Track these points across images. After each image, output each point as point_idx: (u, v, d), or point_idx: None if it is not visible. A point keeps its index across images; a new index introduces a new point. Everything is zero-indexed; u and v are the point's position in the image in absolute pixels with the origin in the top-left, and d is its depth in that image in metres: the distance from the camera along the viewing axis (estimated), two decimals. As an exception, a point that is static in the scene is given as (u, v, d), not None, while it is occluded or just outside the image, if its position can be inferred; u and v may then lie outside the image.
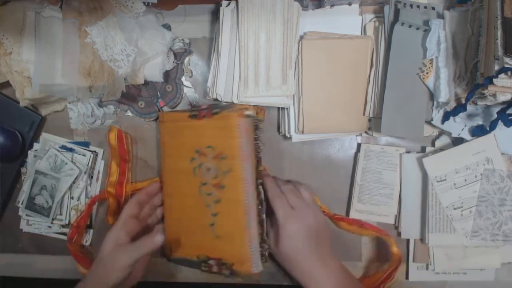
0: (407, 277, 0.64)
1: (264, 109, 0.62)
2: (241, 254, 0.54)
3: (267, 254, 0.55)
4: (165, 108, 0.65)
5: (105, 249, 0.54)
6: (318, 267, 0.53)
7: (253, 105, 0.58)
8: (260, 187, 0.55)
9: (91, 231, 0.67)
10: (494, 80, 0.49)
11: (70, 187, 0.65)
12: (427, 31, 0.55)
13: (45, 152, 0.65)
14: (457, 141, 0.61)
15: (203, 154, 0.56)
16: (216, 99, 0.61)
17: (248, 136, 0.54)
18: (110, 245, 0.54)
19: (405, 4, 0.56)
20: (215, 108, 0.56)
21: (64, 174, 0.64)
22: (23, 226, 0.68)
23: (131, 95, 0.65)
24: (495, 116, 0.52)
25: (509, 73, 0.50)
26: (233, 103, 0.59)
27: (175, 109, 0.65)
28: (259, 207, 0.55)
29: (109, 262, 0.53)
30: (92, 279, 0.54)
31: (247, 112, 0.54)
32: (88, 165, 0.65)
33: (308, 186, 0.60)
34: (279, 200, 0.55)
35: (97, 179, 0.67)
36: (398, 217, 0.63)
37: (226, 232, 0.56)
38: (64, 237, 0.67)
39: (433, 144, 0.62)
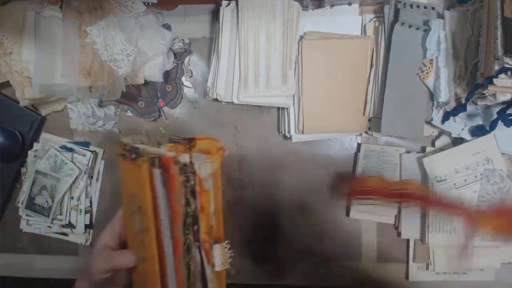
0: (407, 277, 0.64)
1: (222, 148, 0.46)
2: None
3: None
4: (165, 108, 0.65)
5: (98, 244, 0.48)
6: None
7: (192, 144, 0.46)
8: (197, 250, 0.43)
9: (91, 231, 0.67)
10: (494, 80, 0.49)
11: (70, 187, 0.65)
12: (427, 31, 0.55)
13: (45, 152, 0.65)
14: (457, 141, 0.61)
15: (133, 202, 0.45)
16: (216, 99, 0.61)
17: (161, 190, 0.42)
18: (101, 243, 0.48)
19: (405, 4, 0.56)
20: (134, 152, 0.43)
21: (64, 174, 0.64)
22: (23, 226, 0.68)
23: (131, 95, 0.65)
24: (495, 116, 0.52)
25: (509, 73, 0.50)
26: (159, 148, 0.47)
27: (175, 109, 0.65)
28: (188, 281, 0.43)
29: (94, 259, 0.47)
30: (84, 271, 0.51)
31: (177, 158, 0.41)
32: (88, 165, 0.65)
33: None
34: None
35: (97, 179, 0.67)
36: (398, 217, 0.63)
37: None
38: (64, 237, 0.67)
39: (433, 144, 0.62)
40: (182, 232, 0.42)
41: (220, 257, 0.44)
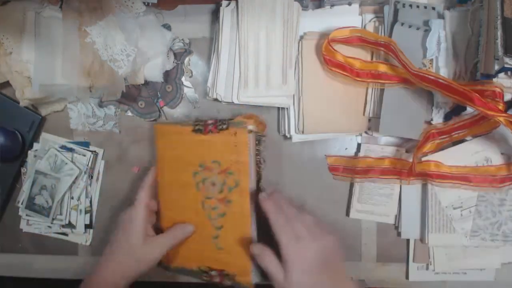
0: (407, 277, 0.64)
1: (265, 124, 0.61)
2: (245, 266, 0.55)
3: None
4: (165, 108, 0.65)
5: (132, 242, 0.54)
6: None
7: (253, 119, 0.57)
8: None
9: (91, 231, 0.67)
10: (494, 79, 0.49)
11: (70, 187, 0.65)
12: (427, 31, 0.55)
13: (45, 152, 0.65)
14: (457, 140, 0.60)
15: (208, 168, 0.57)
16: (216, 99, 0.61)
17: (252, 152, 0.55)
18: (139, 238, 0.54)
19: (404, 4, 0.56)
20: (221, 124, 0.56)
21: (64, 174, 0.64)
22: (23, 226, 0.68)
23: (131, 95, 0.65)
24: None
25: (509, 73, 0.50)
26: (231, 119, 0.58)
27: (175, 109, 0.65)
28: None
29: (141, 254, 0.54)
30: (105, 274, 0.53)
31: (249, 127, 0.54)
32: (88, 165, 0.65)
33: (308, 212, 0.54)
34: (284, 230, 0.49)
35: (97, 179, 0.67)
36: (398, 217, 0.63)
37: (230, 245, 0.57)
38: (64, 237, 0.67)
39: (433, 144, 0.62)
40: (255, 187, 0.56)
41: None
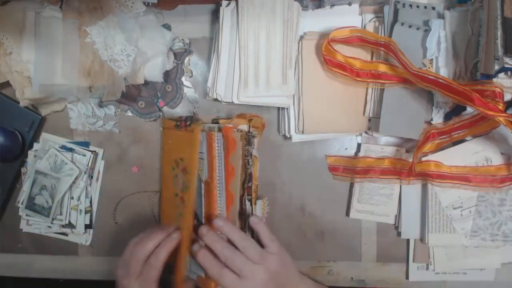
0: (407, 277, 0.64)
1: (264, 124, 0.61)
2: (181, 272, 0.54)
3: None
4: (165, 108, 0.65)
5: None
6: None
7: (246, 118, 0.57)
8: (248, 203, 0.55)
9: (91, 231, 0.67)
10: (494, 79, 0.49)
11: (70, 187, 0.65)
12: (427, 31, 0.55)
13: (45, 152, 0.65)
14: (457, 140, 0.60)
15: (177, 165, 0.60)
16: (216, 99, 0.61)
17: (238, 152, 0.54)
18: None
19: (404, 4, 0.56)
20: (188, 120, 0.58)
21: (64, 174, 0.64)
22: (23, 226, 0.68)
23: (131, 95, 0.65)
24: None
25: (508, 73, 0.50)
26: (225, 119, 0.59)
27: (175, 109, 0.65)
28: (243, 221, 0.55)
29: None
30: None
31: (240, 127, 0.55)
32: (88, 165, 0.65)
33: (246, 239, 0.52)
34: (225, 278, 0.49)
35: (97, 179, 0.67)
36: (398, 217, 0.63)
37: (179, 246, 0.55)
38: (64, 237, 0.67)
39: (433, 144, 0.62)
40: (239, 187, 0.54)
41: (261, 210, 0.58)
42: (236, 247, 0.51)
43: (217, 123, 0.58)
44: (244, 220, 0.55)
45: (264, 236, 0.52)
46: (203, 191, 0.57)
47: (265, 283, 0.49)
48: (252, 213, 0.55)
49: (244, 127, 0.56)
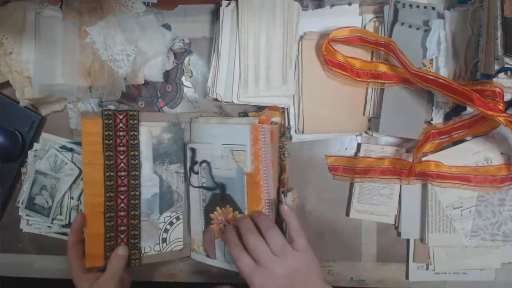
0: (407, 277, 0.64)
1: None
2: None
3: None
4: (165, 108, 0.65)
5: None
6: None
7: (279, 111, 0.60)
8: (282, 195, 0.56)
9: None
10: (494, 79, 0.49)
11: (70, 187, 0.65)
12: (427, 31, 0.55)
13: (45, 152, 0.65)
14: (457, 140, 0.60)
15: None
16: (216, 99, 0.61)
17: (271, 145, 0.55)
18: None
19: (404, 4, 0.56)
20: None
21: (64, 174, 0.64)
22: (23, 226, 0.68)
23: (131, 95, 0.65)
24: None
25: (508, 73, 0.50)
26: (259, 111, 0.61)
27: (175, 109, 0.65)
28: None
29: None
30: None
31: (273, 119, 0.57)
32: (88, 165, 0.65)
33: (274, 227, 0.52)
34: (241, 259, 0.49)
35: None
36: (398, 217, 0.63)
37: None
38: (64, 237, 0.67)
39: (433, 144, 0.62)
40: (276, 179, 0.56)
41: (291, 201, 0.57)
42: (262, 235, 0.50)
43: (246, 115, 0.60)
44: (278, 212, 0.55)
45: (293, 230, 0.51)
46: (245, 183, 0.56)
47: (279, 278, 0.48)
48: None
49: (277, 119, 0.57)
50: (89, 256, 0.57)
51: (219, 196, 0.58)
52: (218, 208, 0.58)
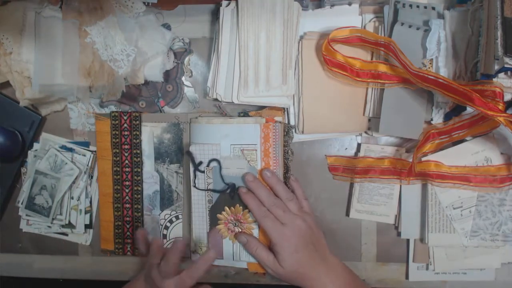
0: (407, 277, 0.64)
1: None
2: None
3: None
4: (166, 108, 0.65)
5: None
6: (324, 271, 0.54)
7: (281, 111, 0.61)
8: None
9: (91, 231, 0.67)
10: (494, 79, 0.49)
11: (70, 187, 0.65)
12: (427, 31, 0.55)
13: (45, 152, 0.65)
14: (457, 140, 0.60)
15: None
16: (216, 99, 0.61)
17: (279, 143, 0.58)
18: None
19: (404, 4, 0.56)
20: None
21: (64, 174, 0.64)
22: (23, 226, 0.68)
23: (131, 95, 0.65)
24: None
25: (508, 73, 0.50)
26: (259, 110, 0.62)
27: (176, 109, 0.65)
28: None
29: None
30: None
31: (276, 118, 0.58)
32: (88, 165, 0.65)
33: (289, 192, 0.57)
34: (268, 220, 0.54)
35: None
36: (398, 217, 0.63)
37: None
38: (64, 237, 0.67)
39: (433, 144, 0.62)
40: (282, 177, 0.59)
41: None
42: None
43: (245, 115, 0.61)
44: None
45: (299, 194, 0.59)
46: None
47: (303, 231, 0.54)
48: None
49: (279, 118, 0.59)
50: (103, 239, 0.66)
51: (228, 196, 0.58)
52: (226, 207, 0.59)
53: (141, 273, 0.59)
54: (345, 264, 0.57)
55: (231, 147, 0.58)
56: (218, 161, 0.58)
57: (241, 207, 0.58)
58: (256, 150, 0.57)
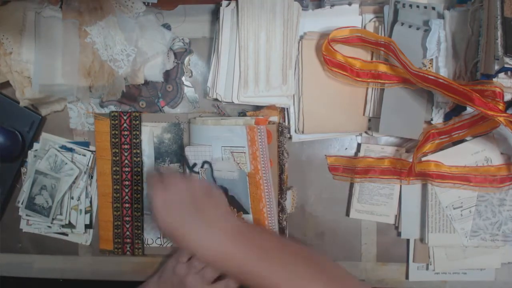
0: (407, 277, 0.64)
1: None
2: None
3: None
4: (166, 108, 0.65)
5: None
6: (202, 230, 0.50)
7: (277, 110, 0.61)
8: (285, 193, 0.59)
9: (91, 231, 0.67)
10: (494, 79, 0.49)
11: (70, 187, 0.65)
12: (427, 31, 0.55)
13: (45, 152, 0.65)
14: (457, 140, 0.60)
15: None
16: (216, 99, 0.61)
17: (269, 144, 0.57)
18: None
19: (404, 4, 0.56)
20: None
21: (64, 174, 0.64)
22: (23, 226, 0.68)
23: (131, 95, 0.65)
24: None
25: (509, 73, 0.50)
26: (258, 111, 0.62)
27: (175, 109, 0.65)
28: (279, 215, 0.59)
29: None
30: None
31: (271, 118, 0.58)
32: (88, 165, 0.65)
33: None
34: (152, 179, 0.53)
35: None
36: (398, 217, 0.63)
37: None
38: (64, 237, 0.67)
39: (433, 144, 0.62)
40: (277, 178, 0.58)
41: (291, 199, 0.61)
42: None
43: (244, 115, 0.61)
44: (281, 209, 0.59)
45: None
46: (247, 184, 0.58)
47: (182, 192, 0.51)
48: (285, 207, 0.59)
49: (275, 118, 0.59)
50: (101, 239, 0.66)
51: None
52: None
53: (156, 274, 0.60)
54: (255, 227, 0.57)
55: (222, 149, 0.58)
56: (210, 164, 0.58)
57: (235, 209, 0.58)
58: (245, 153, 0.57)
